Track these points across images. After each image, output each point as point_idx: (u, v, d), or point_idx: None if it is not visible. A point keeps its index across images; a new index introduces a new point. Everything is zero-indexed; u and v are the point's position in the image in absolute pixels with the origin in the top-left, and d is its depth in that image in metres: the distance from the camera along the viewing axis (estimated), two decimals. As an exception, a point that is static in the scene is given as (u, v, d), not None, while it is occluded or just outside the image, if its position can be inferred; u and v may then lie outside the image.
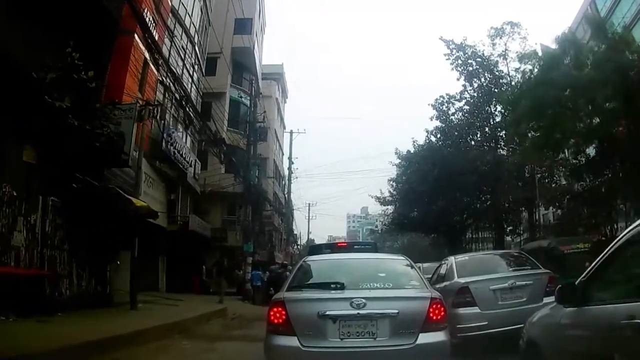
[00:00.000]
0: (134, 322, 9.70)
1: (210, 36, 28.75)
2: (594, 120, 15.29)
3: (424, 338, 4.39)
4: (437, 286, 8.38)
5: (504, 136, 25.88)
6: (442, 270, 8.82)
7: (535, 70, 15.63)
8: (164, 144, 18.41)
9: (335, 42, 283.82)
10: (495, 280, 7.23)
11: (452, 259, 8.58)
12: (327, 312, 4.40)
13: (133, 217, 11.82)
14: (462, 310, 7.07)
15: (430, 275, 11.27)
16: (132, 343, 7.98)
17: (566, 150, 17.88)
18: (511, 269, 7.87)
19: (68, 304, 10.34)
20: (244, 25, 33.52)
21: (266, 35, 47.08)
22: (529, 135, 16.37)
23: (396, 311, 4.40)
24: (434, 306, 4.53)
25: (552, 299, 7.14)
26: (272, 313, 4.61)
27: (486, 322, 6.82)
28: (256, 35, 36.37)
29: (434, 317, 4.50)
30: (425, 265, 14.87)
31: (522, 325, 6.68)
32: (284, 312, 4.53)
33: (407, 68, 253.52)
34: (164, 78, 18.11)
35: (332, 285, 4.79)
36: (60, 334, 7.44)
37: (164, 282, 20.56)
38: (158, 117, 16.13)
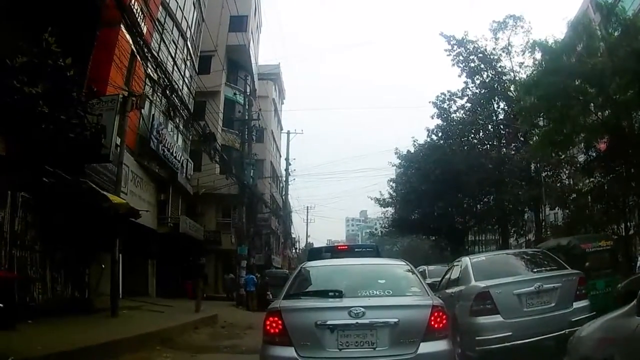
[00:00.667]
0: (111, 331, 8.78)
1: (204, 33, 27.99)
2: (605, 113, 14.46)
3: (426, 347, 4.21)
4: (449, 291, 7.45)
5: (507, 134, 25.02)
6: (455, 273, 7.80)
7: (545, 60, 14.72)
8: (152, 141, 17.49)
9: (334, 42, 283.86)
10: (520, 284, 6.22)
11: (466, 260, 7.48)
12: (325, 322, 4.26)
13: (114, 215, 10.89)
14: (482, 320, 6.07)
15: (438, 279, 10.42)
16: (104, 355, 7.10)
17: (573, 148, 17.06)
18: (536, 269, 6.82)
19: (41, 310, 9.46)
20: (239, 23, 32.75)
21: (263, 37, 46.32)
22: (536, 131, 15.47)
23: (396, 320, 4.23)
24: (436, 314, 4.34)
25: (583, 303, 6.31)
26: (268, 323, 4.47)
27: (510, 333, 5.87)
28: (252, 33, 35.57)
29: (436, 326, 4.30)
30: (431, 268, 14.02)
31: (550, 334, 5.83)
32: (280, 322, 4.39)
33: (407, 68, 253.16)
34: (152, 72, 17.27)
35: (330, 293, 4.62)
36: (20, 344, 6.57)
37: (154, 286, 19.56)
38: (145, 111, 15.21)
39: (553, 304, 6.03)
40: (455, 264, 8.29)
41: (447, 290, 7.79)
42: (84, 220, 10.48)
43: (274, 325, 4.40)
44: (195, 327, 11.14)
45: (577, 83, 13.56)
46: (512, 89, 22.12)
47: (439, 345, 4.27)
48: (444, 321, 4.34)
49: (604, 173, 15.58)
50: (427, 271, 13.62)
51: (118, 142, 14.41)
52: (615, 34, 13.57)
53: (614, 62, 12.19)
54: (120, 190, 11.73)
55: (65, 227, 10.42)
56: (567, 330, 5.86)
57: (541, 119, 14.97)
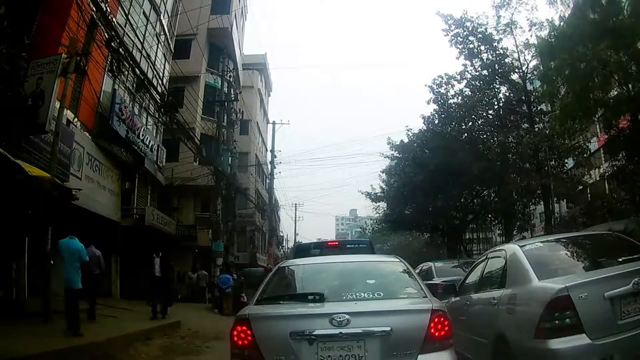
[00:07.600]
0: (26, 344, 6.67)
1: (184, 15, 26.13)
2: (629, 86, 12.69)
3: None
4: (484, 296, 5.30)
5: (509, 120, 23.15)
6: (492, 269, 5.49)
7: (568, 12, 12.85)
8: (113, 119, 15.31)
9: (326, 32, 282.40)
10: (610, 281, 3.95)
11: (514, 248, 5.06)
12: (302, 332, 3.64)
13: (45, 198, 8.73)
14: (559, 344, 3.82)
15: (450, 278, 8.42)
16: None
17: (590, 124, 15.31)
18: (620, 258, 4.39)
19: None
20: (222, 5, 30.87)
21: (250, 34, 44.23)
22: (557, 104, 13.68)
23: (388, 328, 3.62)
24: (436, 320, 3.69)
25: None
26: (235, 333, 3.83)
27: None
28: (235, 17, 33.52)
29: (437, 334, 3.67)
30: (438, 264, 11.89)
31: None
32: (249, 332, 3.76)
33: (390, 66, 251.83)
34: (115, 44, 15.14)
35: (310, 297, 4.09)
36: None
37: (118, 286, 17.37)
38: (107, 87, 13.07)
39: None
40: (490, 255, 5.90)
41: (476, 296, 5.61)
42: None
43: (241, 336, 3.78)
44: (148, 338, 9.00)
45: (600, 47, 11.71)
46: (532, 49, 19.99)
47: (441, 358, 3.66)
48: (446, 328, 3.71)
49: (628, 154, 13.72)
50: (433, 269, 11.35)
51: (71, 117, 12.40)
52: None
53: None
54: (54, 168, 9.52)
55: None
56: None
57: (562, 87, 13.10)
